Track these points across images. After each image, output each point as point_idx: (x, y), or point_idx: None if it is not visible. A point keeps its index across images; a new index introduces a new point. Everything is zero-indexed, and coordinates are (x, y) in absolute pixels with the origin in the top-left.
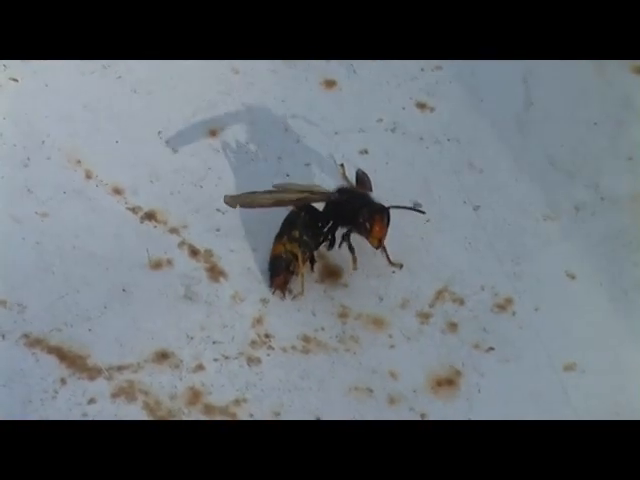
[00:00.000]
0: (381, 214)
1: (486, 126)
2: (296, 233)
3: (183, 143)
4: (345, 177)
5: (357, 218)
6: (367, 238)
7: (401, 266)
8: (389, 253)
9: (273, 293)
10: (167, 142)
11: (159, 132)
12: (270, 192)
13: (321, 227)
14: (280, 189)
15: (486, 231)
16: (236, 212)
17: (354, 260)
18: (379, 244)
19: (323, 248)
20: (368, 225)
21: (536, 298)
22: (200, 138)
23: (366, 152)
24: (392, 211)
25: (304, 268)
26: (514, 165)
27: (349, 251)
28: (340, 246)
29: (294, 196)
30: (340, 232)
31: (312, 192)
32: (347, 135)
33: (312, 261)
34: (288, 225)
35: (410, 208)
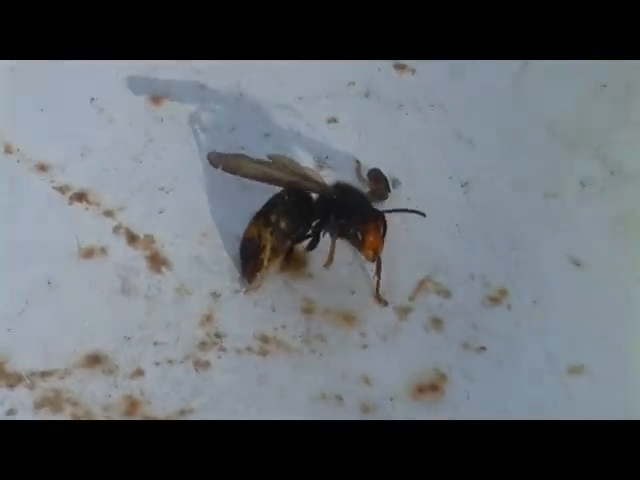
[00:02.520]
0: (374, 221)
1: (475, 90)
2: (272, 217)
3: (120, 111)
4: (359, 175)
5: (347, 225)
6: (360, 250)
7: (386, 303)
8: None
9: (249, 282)
10: (101, 110)
11: (92, 99)
12: (260, 162)
13: (306, 220)
14: (273, 163)
15: (476, 212)
16: (182, 191)
17: (329, 259)
18: (374, 256)
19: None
20: (360, 235)
21: (535, 289)
22: (140, 106)
23: (335, 121)
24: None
25: (272, 261)
26: (508, 135)
27: (330, 247)
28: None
29: (285, 177)
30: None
31: (306, 177)
32: (313, 101)
33: (288, 255)
34: (269, 206)
35: (409, 210)
